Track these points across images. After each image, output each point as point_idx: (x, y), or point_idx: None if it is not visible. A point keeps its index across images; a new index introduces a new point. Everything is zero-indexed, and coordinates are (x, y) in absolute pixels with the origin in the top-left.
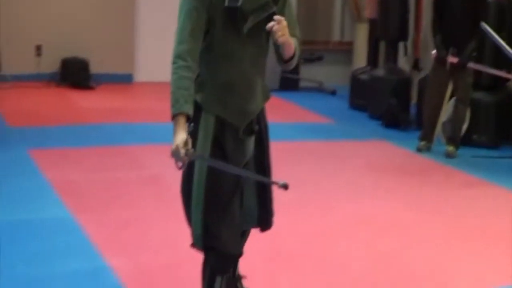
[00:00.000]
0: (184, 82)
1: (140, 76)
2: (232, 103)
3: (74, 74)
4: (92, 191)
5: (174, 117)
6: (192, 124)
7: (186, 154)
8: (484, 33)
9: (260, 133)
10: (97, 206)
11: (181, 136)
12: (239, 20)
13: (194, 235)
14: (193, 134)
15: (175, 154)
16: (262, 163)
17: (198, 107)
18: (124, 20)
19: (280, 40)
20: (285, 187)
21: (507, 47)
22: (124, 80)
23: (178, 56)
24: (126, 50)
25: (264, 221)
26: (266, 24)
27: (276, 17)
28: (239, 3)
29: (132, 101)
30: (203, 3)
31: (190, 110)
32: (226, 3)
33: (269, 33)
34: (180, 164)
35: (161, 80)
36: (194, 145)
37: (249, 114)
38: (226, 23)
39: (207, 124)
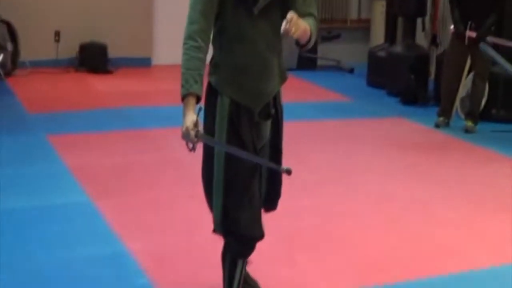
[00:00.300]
0: (194, 63)
1: (159, 59)
2: (246, 84)
3: (92, 59)
4: (111, 175)
5: (184, 98)
6: (200, 106)
7: (196, 135)
8: (487, 52)
9: (276, 116)
10: (116, 190)
11: (191, 117)
12: (250, 0)
13: (215, 220)
14: (211, 116)
15: (185, 136)
16: (276, 147)
17: (214, 90)
18: (142, 3)
19: (295, 36)
20: (288, 172)
21: (509, 65)
22: (143, 63)
23: (188, 37)
24: (144, 34)
25: (271, 203)
26: (279, 4)
27: (288, 16)
28: None
29: (151, 84)
30: None
31: (199, 90)
32: None
33: (284, 13)
34: (191, 145)
35: (180, 62)
36: (212, 129)
37: (264, 96)
38: (237, 4)
39: (223, 106)
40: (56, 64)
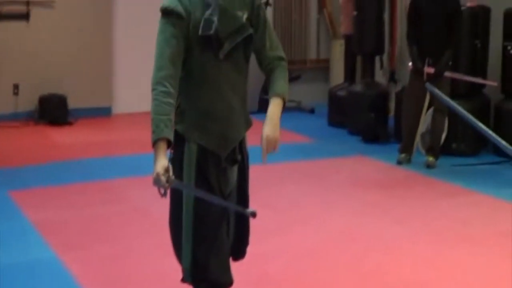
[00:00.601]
0: (163, 108)
1: (119, 108)
2: (212, 130)
3: (52, 111)
4: (76, 229)
5: (155, 143)
6: (171, 152)
7: (167, 181)
8: (433, 92)
9: (242, 162)
10: (82, 244)
11: (162, 162)
12: (215, 46)
13: (183, 269)
14: (178, 164)
15: (156, 181)
16: (243, 193)
17: (181, 138)
18: (101, 52)
19: (276, 149)
20: (253, 215)
21: (458, 107)
22: (103, 113)
23: (157, 83)
24: (104, 83)
25: (238, 251)
26: (243, 46)
27: (263, 140)
28: (212, 31)
29: (112, 133)
30: (181, 30)
31: (170, 135)
32: (200, 32)
33: (248, 55)
34: (162, 191)
35: (141, 111)
36: (180, 176)
37: (230, 141)
38: (203, 50)
39: (190, 153)
40: (16, 117)
